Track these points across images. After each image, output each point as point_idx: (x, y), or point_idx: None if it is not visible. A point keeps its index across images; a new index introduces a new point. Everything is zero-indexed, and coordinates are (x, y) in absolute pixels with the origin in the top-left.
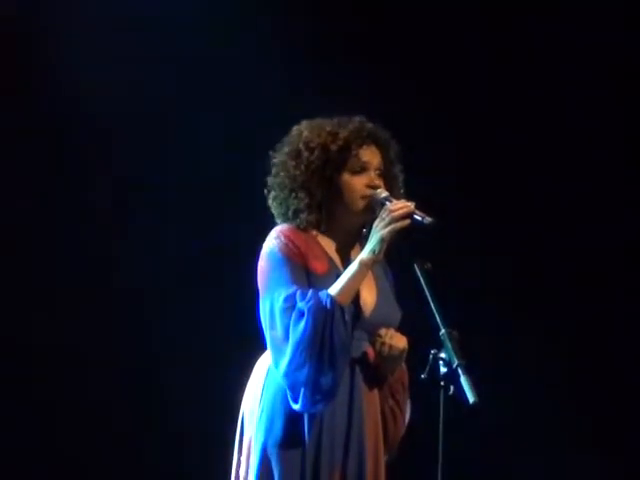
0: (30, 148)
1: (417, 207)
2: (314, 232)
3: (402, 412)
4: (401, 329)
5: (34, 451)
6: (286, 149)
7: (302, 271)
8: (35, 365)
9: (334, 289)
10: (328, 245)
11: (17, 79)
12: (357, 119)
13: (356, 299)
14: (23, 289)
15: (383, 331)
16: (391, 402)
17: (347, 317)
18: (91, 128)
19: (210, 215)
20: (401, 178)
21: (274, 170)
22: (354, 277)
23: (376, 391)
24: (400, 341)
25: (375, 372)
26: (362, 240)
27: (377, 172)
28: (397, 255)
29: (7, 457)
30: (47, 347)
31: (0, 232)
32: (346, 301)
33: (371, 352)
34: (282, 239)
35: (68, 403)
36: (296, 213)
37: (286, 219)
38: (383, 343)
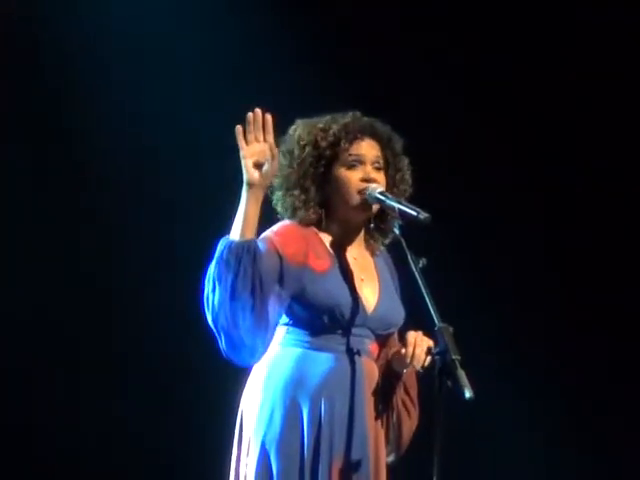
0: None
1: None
2: (314, 229)
3: (415, 406)
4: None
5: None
6: (282, 149)
7: (275, 258)
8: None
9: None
10: (328, 241)
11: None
12: (350, 114)
13: (358, 296)
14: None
15: (412, 335)
16: (404, 396)
17: (240, 247)
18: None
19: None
20: (407, 172)
21: None
22: (241, 205)
23: (378, 387)
24: (428, 344)
25: (385, 369)
26: (365, 235)
27: (375, 165)
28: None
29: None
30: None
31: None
32: (238, 233)
33: (374, 349)
34: (272, 232)
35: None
36: (294, 211)
37: (287, 217)
38: (421, 350)
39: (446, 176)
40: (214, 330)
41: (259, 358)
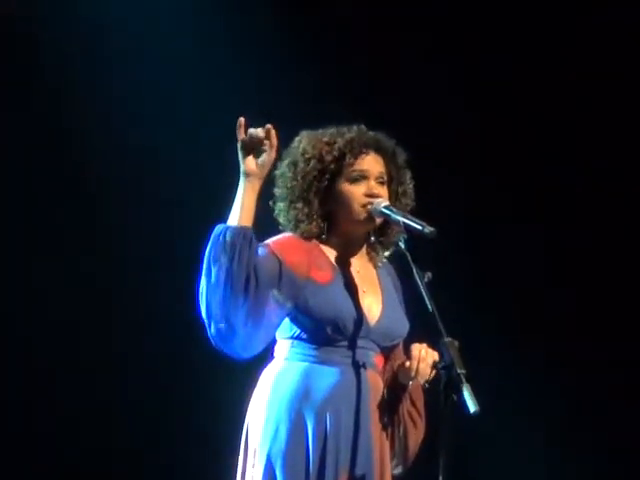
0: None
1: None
2: (316, 242)
3: (421, 417)
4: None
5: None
6: (286, 161)
7: (273, 261)
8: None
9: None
10: (331, 254)
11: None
12: (355, 128)
13: (361, 308)
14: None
15: (416, 348)
16: (410, 408)
17: (236, 232)
18: None
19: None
20: (409, 185)
21: (276, 182)
22: (237, 194)
23: (384, 400)
24: (433, 358)
25: (391, 381)
26: (367, 248)
27: (378, 180)
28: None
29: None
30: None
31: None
32: (235, 220)
33: (379, 361)
34: (272, 241)
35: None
36: (297, 223)
37: (290, 229)
38: (426, 364)
39: (446, 176)
40: (204, 317)
41: (252, 353)
